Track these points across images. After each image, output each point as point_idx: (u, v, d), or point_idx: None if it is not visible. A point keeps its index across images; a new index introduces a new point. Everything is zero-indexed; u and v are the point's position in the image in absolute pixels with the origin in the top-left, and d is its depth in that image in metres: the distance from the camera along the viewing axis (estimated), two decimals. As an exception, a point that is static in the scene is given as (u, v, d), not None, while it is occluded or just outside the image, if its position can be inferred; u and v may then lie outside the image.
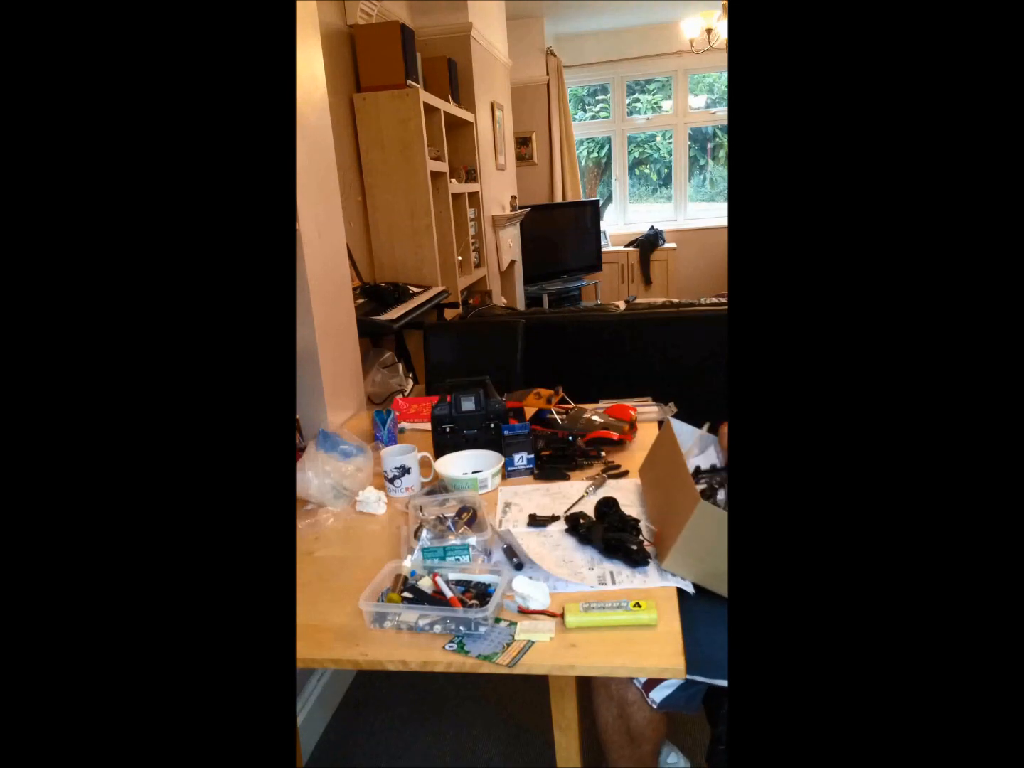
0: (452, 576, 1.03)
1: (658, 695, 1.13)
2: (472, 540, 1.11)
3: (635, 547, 1.07)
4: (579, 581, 1.04)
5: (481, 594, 0.99)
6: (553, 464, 1.46)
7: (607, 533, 1.09)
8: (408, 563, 1.07)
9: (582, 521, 1.14)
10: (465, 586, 1.01)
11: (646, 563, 1.06)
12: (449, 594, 0.98)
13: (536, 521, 1.20)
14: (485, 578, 1.02)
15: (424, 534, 1.14)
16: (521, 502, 1.34)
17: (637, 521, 1.14)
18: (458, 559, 1.07)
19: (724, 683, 1.09)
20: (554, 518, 1.20)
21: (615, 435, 1.51)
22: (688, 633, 0.91)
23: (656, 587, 1.01)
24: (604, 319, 2.82)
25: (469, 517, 1.20)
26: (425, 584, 1.01)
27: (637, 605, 0.93)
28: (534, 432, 1.49)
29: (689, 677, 1.09)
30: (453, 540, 1.12)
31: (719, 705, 1.15)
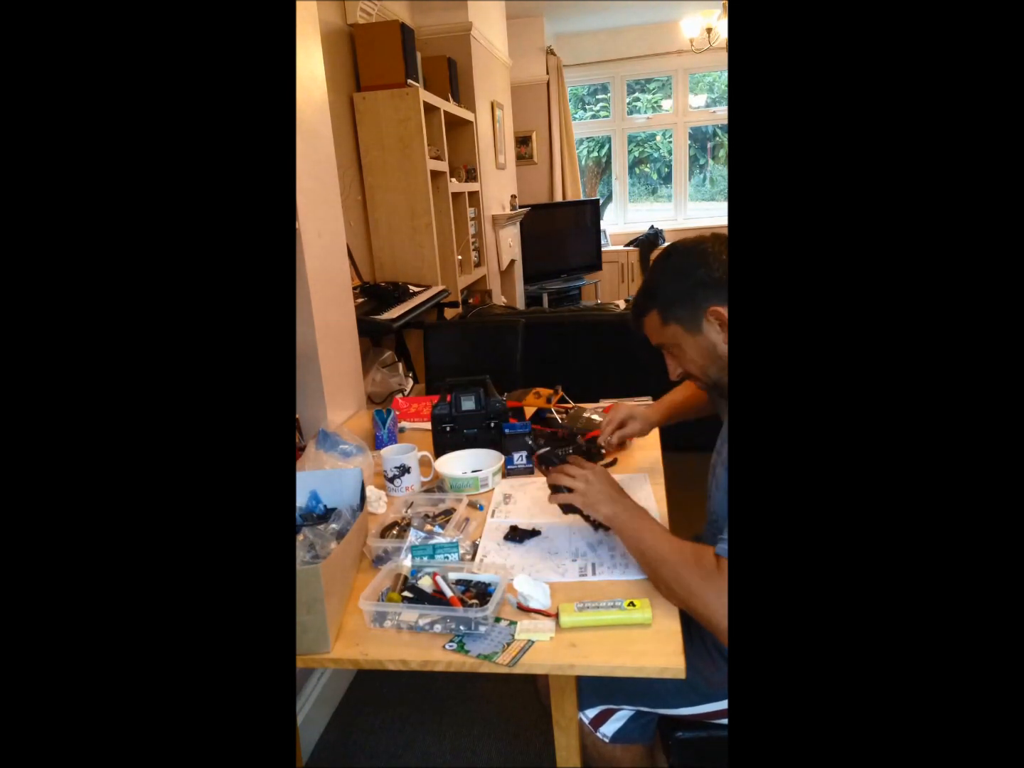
0: (452, 576, 1.03)
1: (608, 729, 1.11)
2: (442, 540, 1.11)
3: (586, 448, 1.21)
4: (561, 575, 1.06)
5: (481, 593, 0.99)
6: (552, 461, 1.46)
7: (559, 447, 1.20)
8: (408, 562, 1.07)
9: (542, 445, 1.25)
10: (465, 585, 1.01)
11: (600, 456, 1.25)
12: (449, 593, 0.98)
13: (516, 535, 1.18)
14: (485, 577, 1.03)
15: (412, 534, 1.13)
16: (518, 495, 1.35)
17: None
18: (447, 556, 1.06)
19: (672, 712, 1.10)
20: (535, 532, 1.18)
21: None
22: None
23: (636, 579, 1.03)
24: (604, 318, 2.82)
25: (446, 520, 1.21)
26: (425, 584, 1.01)
27: (631, 604, 0.93)
28: (534, 431, 1.50)
29: (637, 708, 1.09)
30: (441, 538, 1.12)
31: (671, 733, 1.14)
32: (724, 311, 0.98)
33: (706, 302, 0.99)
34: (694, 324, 1.01)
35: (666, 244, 1.09)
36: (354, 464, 1.39)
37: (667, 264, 1.05)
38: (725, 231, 0.96)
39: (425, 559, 1.06)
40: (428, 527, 1.18)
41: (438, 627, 0.95)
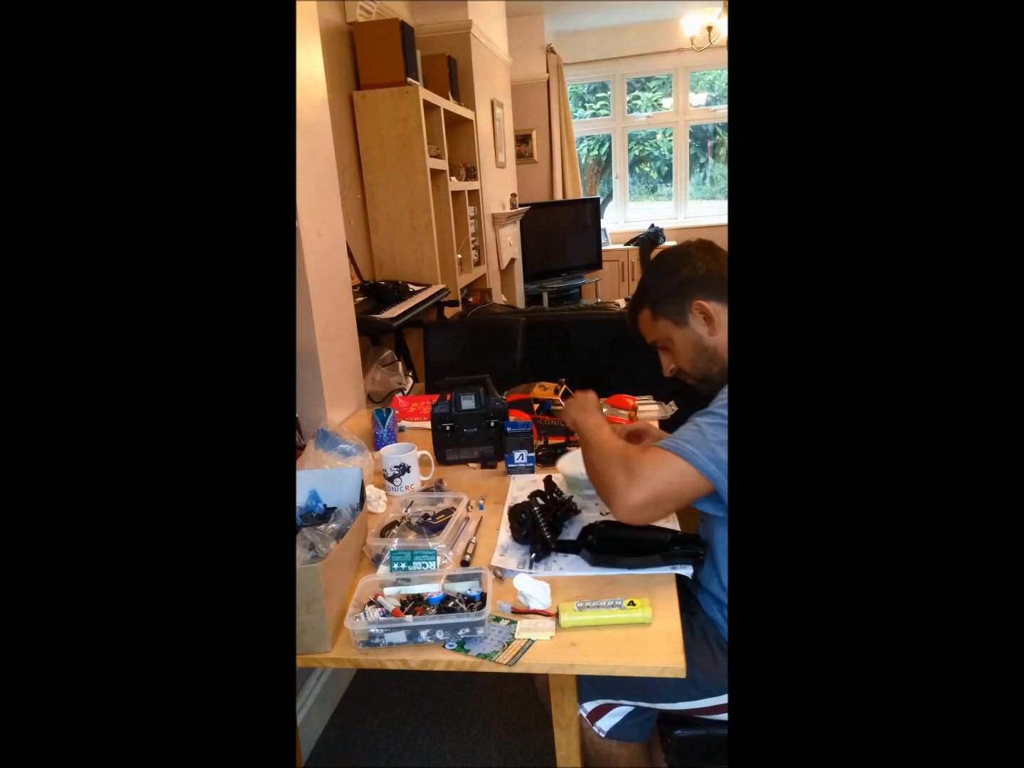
0: (433, 594, 0.98)
1: (605, 724, 1.11)
2: (438, 545, 1.08)
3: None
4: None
5: (469, 599, 0.97)
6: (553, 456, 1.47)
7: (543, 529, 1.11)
8: (380, 574, 1.04)
9: (523, 516, 1.14)
10: (452, 599, 0.97)
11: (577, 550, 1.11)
12: (390, 606, 0.95)
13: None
14: (461, 587, 0.99)
15: (396, 543, 1.11)
16: (519, 495, 1.34)
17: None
18: (424, 564, 1.02)
19: (669, 706, 1.09)
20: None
21: (622, 420, 1.52)
22: None
23: (630, 574, 1.04)
24: (604, 317, 2.81)
25: (442, 521, 1.19)
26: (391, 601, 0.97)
27: (631, 603, 0.93)
28: (539, 422, 1.50)
29: (637, 704, 1.09)
30: (422, 545, 1.08)
31: (669, 731, 1.13)
32: (707, 305, 1.09)
33: (691, 297, 1.10)
34: (681, 318, 1.12)
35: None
36: (354, 463, 1.39)
37: (656, 266, 1.19)
38: (709, 239, 1.16)
39: (404, 565, 1.03)
40: (411, 535, 1.17)
41: (440, 634, 0.92)
